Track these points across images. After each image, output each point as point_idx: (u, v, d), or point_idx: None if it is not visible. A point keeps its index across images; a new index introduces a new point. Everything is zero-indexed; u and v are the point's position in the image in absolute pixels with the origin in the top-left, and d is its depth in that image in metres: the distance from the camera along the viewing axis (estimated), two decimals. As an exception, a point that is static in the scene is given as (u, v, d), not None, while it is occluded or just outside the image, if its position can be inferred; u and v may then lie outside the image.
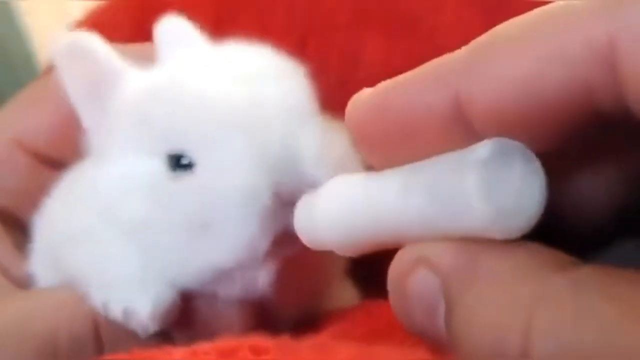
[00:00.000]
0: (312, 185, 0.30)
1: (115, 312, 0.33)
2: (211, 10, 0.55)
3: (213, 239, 0.32)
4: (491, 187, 0.19)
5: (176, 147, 0.33)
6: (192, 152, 0.33)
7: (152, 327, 0.32)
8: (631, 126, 0.19)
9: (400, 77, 0.22)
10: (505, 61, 0.20)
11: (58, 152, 0.41)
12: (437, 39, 0.42)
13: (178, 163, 0.33)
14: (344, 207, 0.24)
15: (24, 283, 0.38)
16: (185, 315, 0.34)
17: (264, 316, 0.35)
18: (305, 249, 0.28)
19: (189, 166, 0.33)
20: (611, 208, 0.22)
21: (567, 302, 0.18)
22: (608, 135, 0.21)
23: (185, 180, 0.33)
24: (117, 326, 0.33)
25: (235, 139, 0.32)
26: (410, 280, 0.21)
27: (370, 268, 0.44)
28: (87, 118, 0.37)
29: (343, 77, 0.46)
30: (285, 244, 0.31)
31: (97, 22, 0.59)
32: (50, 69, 0.60)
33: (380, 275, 0.40)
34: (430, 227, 0.21)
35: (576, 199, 0.22)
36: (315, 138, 0.33)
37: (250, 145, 0.32)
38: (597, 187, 0.23)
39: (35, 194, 0.39)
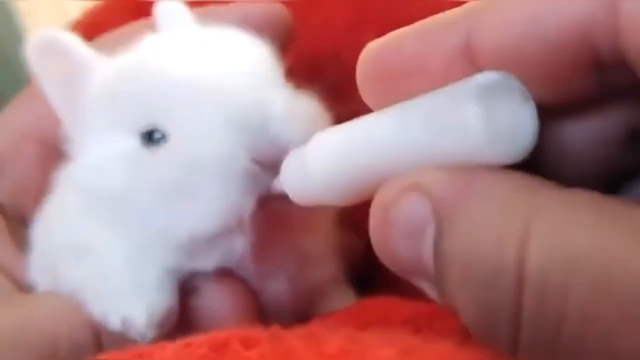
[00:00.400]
0: (286, 145, 0.31)
1: (114, 323, 0.33)
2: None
3: (195, 205, 0.32)
4: (489, 111, 0.20)
5: (148, 123, 0.34)
6: (164, 125, 0.34)
7: (150, 334, 0.33)
8: (626, 77, 0.20)
9: (413, 24, 0.23)
10: (513, 2, 0.21)
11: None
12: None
13: (151, 138, 0.34)
14: (339, 151, 0.24)
15: (27, 285, 0.39)
16: (183, 319, 0.34)
17: (261, 317, 0.35)
18: (285, 214, 0.28)
19: (162, 139, 0.34)
20: (606, 160, 0.23)
21: (562, 213, 0.19)
22: (603, 87, 0.22)
23: (160, 151, 0.34)
24: (118, 333, 0.34)
25: (206, 107, 0.33)
26: (397, 206, 0.21)
27: (367, 271, 0.44)
28: (64, 113, 0.38)
29: (340, 78, 0.46)
30: (266, 207, 0.32)
31: (94, 22, 0.59)
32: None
33: (377, 280, 0.40)
34: (427, 157, 0.22)
35: (568, 149, 0.23)
36: (283, 101, 0.33)
37: (221, 112, 0.33)
38: (591, 138, 0.23)
39: (44, 190, 0.39)
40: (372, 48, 0.24)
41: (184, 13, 0.41)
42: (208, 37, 0.37)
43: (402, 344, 0.23)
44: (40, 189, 0.40)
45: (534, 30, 0.21)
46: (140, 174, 0.34)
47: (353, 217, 0.40)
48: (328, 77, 0.46)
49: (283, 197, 0.28)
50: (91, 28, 0.60)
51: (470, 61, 0.22)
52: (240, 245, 0.33)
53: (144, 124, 0.34)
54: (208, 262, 0.34)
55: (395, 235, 0.22)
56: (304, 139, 0.29)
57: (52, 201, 0.38)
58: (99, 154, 0.35)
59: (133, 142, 0.35)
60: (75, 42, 0.37)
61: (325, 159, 0.25)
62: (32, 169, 0.42)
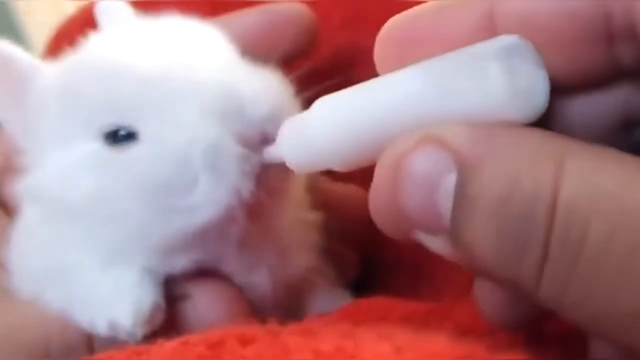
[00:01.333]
0: (264, 123, 0.31)
1: (102, 328, 0.33)
2: (206, 9, 0.55)
3: (193, 198, 0.32)
4: (511, 70, 0.21)
5: (111, 122, 0.33)
6: (131, 123, 0.33)
7: (139, 333, 0.33)
8: (634, 55, 0.22)
9: (434, 0, 0.24)
10: None
11: None
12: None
13: (116, 137, 0.33)
14: (347, 112, 0.24)
15: None
16: (171, 320, 0.34)
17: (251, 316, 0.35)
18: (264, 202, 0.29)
19: (130, 137, 0.33)
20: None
21: (590, 159, 0.21)
22: (611, 64, 0.23)
23: (131, 149, 0.33)
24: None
25: (177, 99, 0.32)
26: (412, 156, 0.22)
27: (364, 274, 0.44)
28: (12, 125, 0.37)
29: (338, 78, 0.46)
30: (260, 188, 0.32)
31: (89, 19, 0.59)
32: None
33: (373, 283, 0.40)
34: (442, 114, 0.22)
35: (568, 125, 0.24)
36: (249, 80, 0.33)
37: (195, 102, 0.32)
38: (590, 118, 0.24)
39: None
40: (394, 21, 0.25)
41: (126, 10, 0.41)
42: (156, 28, 0.36)
43: (397, 340, 0.23)
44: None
45: (555, 1, 0.22)
46: (110, 175, 0.33)
47: (348, 232, 0.40)
48: (326, 75, 0.47)
49: (278, 168, 0.28)
50: (85, 26, 0.60)
51: (490, 31, 0.23)
52: (234, 235, 0.33)
53: (106, 124, 0.33)
54: (189, 259, 0.34)
55: (408, 185, 0.22)
56: (277, 113, 0.31)
57: (19, 220, 0.38)
58: (61, 162, 0.34)
59: (95, 145, 0.33)
60: (16, 51, 0.36)
61: (332, 120, 0.25)
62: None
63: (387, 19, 0.49)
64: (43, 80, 0.35)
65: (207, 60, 0.34)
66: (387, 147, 0.23)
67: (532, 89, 0.22)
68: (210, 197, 0.32)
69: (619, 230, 0.20)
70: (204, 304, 0.35)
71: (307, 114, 0.26)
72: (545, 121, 0.22)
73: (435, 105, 0.22)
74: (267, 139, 0.31)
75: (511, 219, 0.21)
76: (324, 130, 0.25)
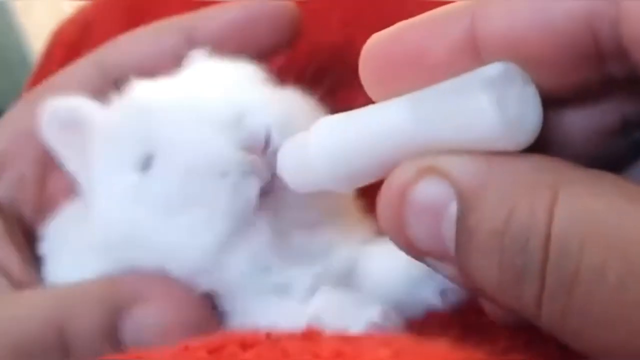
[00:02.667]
0: (267, 134, 0.32)
1: None
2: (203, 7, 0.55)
3: (200, 212, 0.33)
4: (500, 101, 0.21)
5: (143, 153, 0.35)
6: (155, 149, 0.34)
7: None
8: (624, 68, 0.22)
9: (418, 16, 0.24)
10: None
11: None
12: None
13: (147, 164, 0.34)
14: (344, 137, 0.25)
15: (25, 284, 0.39)
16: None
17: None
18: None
19: (153, 162, 0.34)
20: (600, 149, 0.24)
21: (585, 186, 0.21)
22: (602, 77, 0.22)
23: (153, 171, 0.34)
24: (85, 334, 0.33)
25: (184, 119, 0.34)
26: (416, 187, 0.22)
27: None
28: (81, 175, 0.38)
29: (333, 76, 0.46)
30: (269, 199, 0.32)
31: (86, 21, 0.59)
32: (42, 66, 0.60)
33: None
34: (437, 144, 0.22)
35: (565, 138, 0.24)
36: (257, 94, 0.35)
37: (199, 119, 0.33)
38: (587, 128, 0.24)
39: (42, 190, 0.41)
40: (376, 39, 0.25)
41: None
42: (192, 71, 0.38)
43: (397, 345, 0.23)
44: (38, 189, 0.41)
45: (539, 20, 0.21)
46: (140, 199, 0.34)
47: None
48: (324, 74, 0.46)
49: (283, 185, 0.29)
50: (83, 27, 0.60)
51: (473, 51, 0.23)
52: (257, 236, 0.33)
53: (141, 156, 0.35)
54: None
55: (412, 216, 0.22)
56: (282, 126, 0.31)
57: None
58: (105, 194, 0.36)
59: (133, 176, 0.35)
60: (84, 106, 0.38)
61: (329, 144, 0.25)
62: (31, 168, 0.42)
63: (385, 20, 0.49)
64: (96, 128, 0.37)
65: (214, 89, 0.35)
66: (388, 177, 0.23)
67: (524, 117, 0.22)
68: (219, 205, 0.32)
69: (611, 260, 0.20)
70: (152, 306, 0.34)
71: (306, 135, 0.26)
72: (540, 134, 0.22)
73: (427, 137, 0.22)
74: (273, 149, 0.32)
75: (509, 251, 0.21)
76: (321, 153, 0.25)
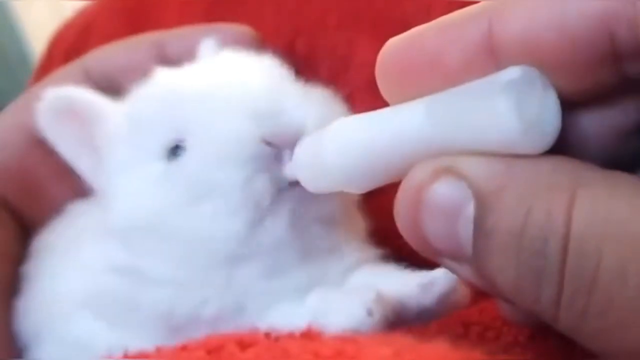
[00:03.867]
0: (297, 130, 0.31)
1: None
2: (201, 11, 0.54)
3: (222, 197, 0.32)
4: (519, 105, 0.21)
5: (171, 139, 0.34)
6: (184, 137, 0.34)
7: None
8: None
9: (434, 21, 0.24)
10: None
11: None
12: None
13: (175, 152, 0.34)
14: (360, 139, 0.24)
15: None
16: None
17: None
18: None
19: (182, 149, 0.34)
20: (617, 149, 0.24)
21: (603, 188, 0.20)
22: (620, 78, 0.22)
23: (181, 159, 0.33)
24: None
25: (218, 107, 0.33)
26: (432, 188, 0.22)
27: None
28: (83, 166, 0.38)
29: (333, 78, 0.46)
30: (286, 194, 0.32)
31: (86, 23, 0.58)
32: (42, 68, 0.60)
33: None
34: (455, 149, 0.22)
35: (583, 138, 0.24)
36: (298, 94, 0.34)
37: (234, 107, 0.33)
38: (605, 128, 0.24)
39: (27, 177, 0.41)
40: (392, 44, 0.24)
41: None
42: (215, 62, 0.37)
43: (398, 344, 0.23)
44: (24, 176, 0.41)
45: (556, 21, 0.21)
46: (168, 187, 0.33)
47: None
48: (325, 75, 0.46)
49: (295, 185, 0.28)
50: (82, 30, 0.59)
51: (490, 55, 0.22)
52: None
53: (168, 144, 0.34)
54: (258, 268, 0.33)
55: (429, 216, 0.22)
56: (316, 127, 0.30)
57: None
58: (128, 186, 0.35)
59: (159, 164, 0.34)
60: (84, 97, 0.37)
61: (344, 146, 0.25)
62: (18, 156, 0.42)
63: (383, 19, 0.49)
64: (111, 117, 0.37)
65: (250, 79, 0.34)
66: (405, 178, 0.23)
67: (543, 121, 0.21)
68: (240, 197, 0.32)
69: (631, 261, 0.19)
70: None
71: (322, 136, 0.26)
72: (559, 139, 0.22)
73: (444, 140, 0.22)
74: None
75: (526, 252, 0.20)
76: (337, 154, 0.25)
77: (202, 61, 0.39)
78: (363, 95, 0.37)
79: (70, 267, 0.37)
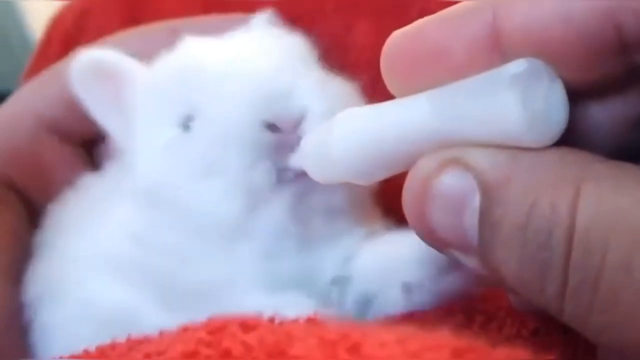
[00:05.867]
0: (303, 113, 0.31)
1: None
2: (199, 7, 0.53)
3: (222, 178, 0.32)
4: (526, 97, 0.20)
5: (186, 113, 0.34)
6: (198, 111, 0.34)
7: None
8: None
9: (438, 13, 0.23)
10: None
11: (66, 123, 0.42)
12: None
13: (187, 124, 0.34)
14: (366, 131, 0.24)
15: None
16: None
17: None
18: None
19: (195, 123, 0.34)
20: (623, 140, 0.23)
21: (609, 179, 0.19)
22: (627, 68, 0.21)
23: (190, 133, 0.33)
24: None
25: (229, 85, 0.33)
26: (438, 179, 0.21)
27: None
28: (114, 129, 0.38)
29: (332, 62, 0.45)
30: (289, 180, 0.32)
31: (84, 8, 0.58)
32: (40, 53, 0.59)
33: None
34: (460, 141, 0.21)
35: (589, 129, 0.23)
36: (313, 77, 0.34)
37: (244, 87, 0.32)
38: (611, 119, 0.23)
39: (35, 161, 0.40)
40: (396, 37, 0.24)
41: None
42: (243, 36, 0.37)
43: (401, 331, 0.22)
44: (32, 161, 0.41)
45: (562, 12, 0.20)
46: (177, 156, 0.33)
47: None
48: (324, 58, 0.45)
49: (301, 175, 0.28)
50: (79, 15, 0.58)
51: (495, 47, 0.21)
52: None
53: (183, 115, 0.34)
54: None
55: (435, 207, 0.22)
56: (323, 111, 0.30)
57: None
58: (144, 152, 0.35)
59: (173, 131, 0.34)
60: (117, 59, 0.37)
61: (350, 137, 0.24)
62: (27, 141, 0.42)
63: (381, 2, 0.48)
64: (139, 80, 0.37)
65: (266, 58, 0.34)
66: (412, 169, 0.22)
67: (549, 115, 0.20)
68: (230, 180, 0.32)
69: (638, 253, 0.18)
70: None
71: (328, 127, 0.25)
72: (566, 130, 0.21)
73: (450, 133, 0.21)
74: (302, 133, 0.31)
75: (531, 244, 0.20)
76: (342, 145, 0.24)
77: (230, 35, 0.38)
78: (362, 77, 0.36)
79: (86, 232, 0.37)
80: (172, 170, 0.33)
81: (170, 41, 0.42)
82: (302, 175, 0.29)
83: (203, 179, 0.32)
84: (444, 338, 0.21)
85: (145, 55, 0.40)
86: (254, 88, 0.32)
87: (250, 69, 0.33)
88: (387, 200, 0.37)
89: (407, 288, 0.32)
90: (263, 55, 0.34)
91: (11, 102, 0.43)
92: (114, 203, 0.37)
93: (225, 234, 0.33)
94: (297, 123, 0.30)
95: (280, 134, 0.31)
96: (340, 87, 0.35)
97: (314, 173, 0.26)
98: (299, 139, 0.28)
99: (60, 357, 0.28)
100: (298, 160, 0.29)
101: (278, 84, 0.32)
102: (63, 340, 0.36)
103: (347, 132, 0.24)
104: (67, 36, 0.58)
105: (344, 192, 0.34)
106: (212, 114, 0.33)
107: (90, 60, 0.37)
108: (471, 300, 0.30)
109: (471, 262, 0.22)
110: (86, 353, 0.27)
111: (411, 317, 0.28)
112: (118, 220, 0.36)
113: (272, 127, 0.31)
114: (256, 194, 0.32)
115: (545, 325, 0.26)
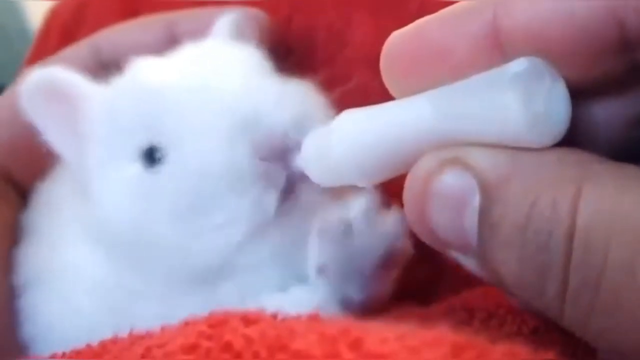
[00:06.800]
0: (285, 131, 0.30)
1: None
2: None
3: (215, 218, 0.30)
4: (527, 97, 0.20)
5: (146, 140, 0.32)
6: (161, 141, 0.32)
7: None
8: None
9: (438, 12, 0.23)
10: None
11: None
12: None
13: (152, 157, 0.32)
14: (365, 132, 0.23)
15: None
16: None
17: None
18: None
19: (162, 157, 0.32)
20: (624, 139, 0.23)
21: (610, 180, 0.19)
22: (628, 67, 0.21)
23: (161, 170, 0.31)
24: None
25: (196, 119, 0.31)
26: (438, 180, 0.21)
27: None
28: (67, 150, 0.35)
29: (330, 56, 0.45)
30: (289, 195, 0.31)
31: (80, 2, 0.57)
32: (39, 45, 0.58)
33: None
34: (461, 142, 0.21)
35: (591, 128, 0.23)
36: (270, 90, 0.32)
37: (214, 116, 0.31)
38: (613, 118, 0.23)
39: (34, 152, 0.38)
40: (396, 36, 0.23)
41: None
42: (196, 52, 0.35)
43: (402, 327, 0.22)
44: (29, 152, 0.39)
45: (563, 10, 0.20)
46: (147, 196, 0.31)
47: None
48: (322, 52, 0.45)
49: (304, 179, 0.27)
50: (78, 6, 0.58)
51: (496, 46, 0.21)
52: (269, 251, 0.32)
53: (142, 142, 0.32)
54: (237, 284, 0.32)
55: (435, 207, 0.21)
56: (298, 122, 0.29)
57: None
58: (104, 188, 0.33)
59: (134, 167, 0.32)
60: (70, 78, 0.35)
61: (352, 139, 0.24)
62: (24, 133, 0.39)
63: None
64: (94, 102, 0.34)
65: (228, 79, 0.32)
66: (412, 168, 0.22)
67: (551, 114, 0.20)
68: (232, 215, 0.30)
69: (639, 256, 0.18)
70: None
71: (328, 129, 0.25)
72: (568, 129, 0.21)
73: (451, 133, 0.21)
74: (290, 148, 0.30)
75: (531, 245, 0.19)
76: (343, 147, 0.24)
77: (182, 50, 0.36)
78: (360, 72, 0.36)
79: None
80: (146, 213, 0.31)
81: (167, 34, 0.42)
82: (303, 178, 0.28)
83: (192, 217, 0.31)
84: (444, 334, 0.21)
85: (142, 48, 0.40)
86: (231, 113, 0.31)
87: (220, 91, 0.31)
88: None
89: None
90: (226, 74, 0.32)
91: (9, 94, 0.42)
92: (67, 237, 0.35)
93: (206, 274, 0.32)
94: (282, 141, 0.29)
95: (268, 157, 0.30)
96: (303, 90, 0.34)
97: (315, 176, 0.26)
98: (299, 143, 0.28)
99: (63, 352, 0.27)
100: (299, 164, 0.28)
101: (252, 104, 0.31)
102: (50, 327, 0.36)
103: (347, 134, 0.24)
104: (65, 28, 0.57)
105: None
106: (191, 146, 0.31)
107: (40, 80, 0.34)
108: (472, 298, 0.30)
109: (470, 262, 0.22)
110: (88, 347, 0.27)
111: (411, 312, 0.28)
112: (75, 270, 0.34)
113: (260, 151, 0.30)
114: (259, 225, 0.31)
115: (545, 323, 0.26)
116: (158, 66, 0.34)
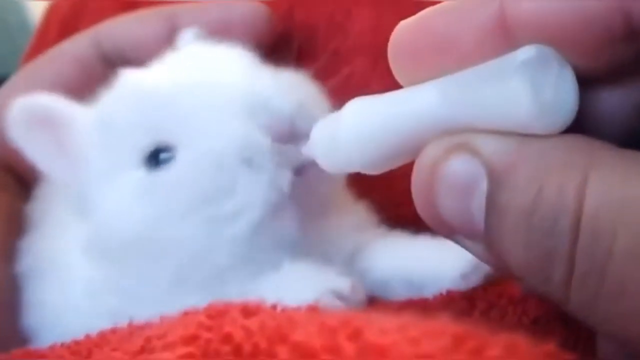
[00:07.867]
0: (291, 115, 0.30)
1: None
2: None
3: (231, 204, 0.30)
4: (535, 85, 0.19)
5: (150, 142, 0.32)
6: (167, 140, 0.31)
7: None
8: None
9: (444, 2, 0.22)
10: None
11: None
12: (425, 7, 0.41)
13: (157, 159, 0.31)
14: (374, 120, 0.23)
15: None
16: None
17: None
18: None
19: (169, 157, 0.31)
20: (633, 128, 0.22)
21: (617, 166, 0.19)
22: (636, 55, 0.20)
23: (171, 168, 0.31)
24: None
25: (204, 110, 0.31)
26: (445, 165, 0.21)
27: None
28: (61, 175, 0.35)
29: (331, 46, 0.44)
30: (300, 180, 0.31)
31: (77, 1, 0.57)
32: (39, 38, 0.58)
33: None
34: (470, 129, 0.21)
35: (598, 117, 0.22)
36: (269, 78, 0.32)
37: (220, 108, 0.31)
38: (621, 106, 0.22)
39: None
40: (403, 26, 0.23)
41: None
42: (183, 56, 0.35)
43: (402, 318, 0.22)
44: None
45: None
46: (156, 200, 0.31)
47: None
48: (322, 44, 0.45)
49: (314, 166, 0.27)
50: (77, 2, 0.57)
51: (503, 35, 0.21)
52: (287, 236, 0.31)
53: (146, 146, 0.32)
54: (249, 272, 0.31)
55: (443, 192, 0.21)
56: (301, 108, 0.29)
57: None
58: (108, 198, 0.32)
59: (138, 172, 0.32)
60: (51, 103, 0.34)
61: (360, 126, 0.23)
62: None
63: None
64: (81, 123, 0.34)
65: (227, 73, 0.32)
66: (419, 155, 0.22)
67: (559, 102, 0.20)
68: (250, 195, 0.30)
69: None
70: None
71: (338, 116, 0.25)
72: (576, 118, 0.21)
73: (459, 121, 0.21)
74: (298, 134, 0.30)
75: (537, 231, 0.19)
76: (352, 134, 0.24)
77: (167, 58, 0.36)
78: (360, 63, 0.36)
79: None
80: (158, 214, 0.31)
81: (168, 27, 0.41)
82: (312, 165, 0.28)
83: (209, 209, 0.30)
84: (445, 325, 0.21)
85: (143, 41, 0.39)
86: (239, 100, 0.30)
87: (222, 84, 0.31)
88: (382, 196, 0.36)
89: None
90: (223, 69, 0.32)
91: (8, 88, 0.42)
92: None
93: (224, 265, 0.31)
94: (290, 125, 0.29)
95: (279, 140, 0.30)
96: (298, 79, 0.34)
97: (324, 162, 0.26)
98: (308, 129, 0.28)
99: (62, 343, 0.27)
100: (308, 149, 0.28)
101: (256, 92, 0.31)
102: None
103: (356, 122, 0.24)
104: (64, 21, 0.57)
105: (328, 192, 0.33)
106: (204, 136, 0.31)
107: (23, 109, 0.34)
108: (473, 288, 0.29)
109: (477, 249, 0.21)
110: (87, 338, 0.26)
111: (412, 304, 0.28)
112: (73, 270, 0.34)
113: (271, 133, 0.30)
114: (274, 205, 0.31)
115: (546, 314, 0.26)
116: (149, 72, 0.34)
